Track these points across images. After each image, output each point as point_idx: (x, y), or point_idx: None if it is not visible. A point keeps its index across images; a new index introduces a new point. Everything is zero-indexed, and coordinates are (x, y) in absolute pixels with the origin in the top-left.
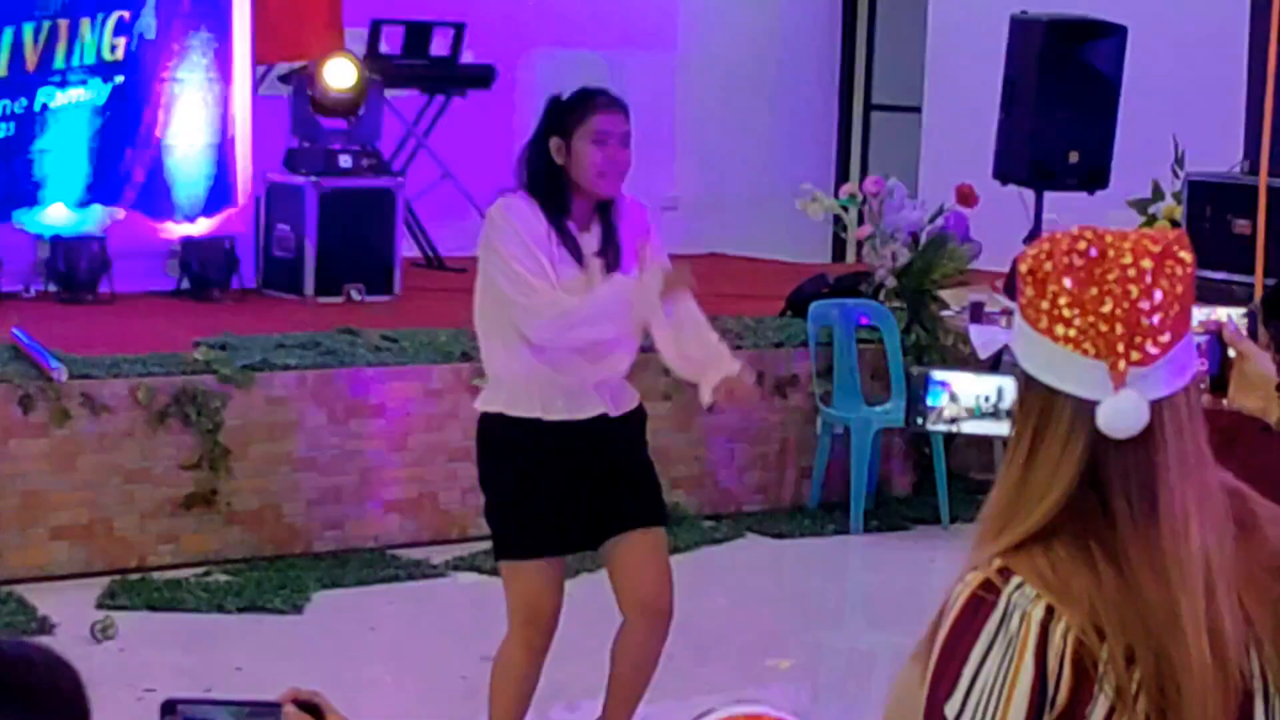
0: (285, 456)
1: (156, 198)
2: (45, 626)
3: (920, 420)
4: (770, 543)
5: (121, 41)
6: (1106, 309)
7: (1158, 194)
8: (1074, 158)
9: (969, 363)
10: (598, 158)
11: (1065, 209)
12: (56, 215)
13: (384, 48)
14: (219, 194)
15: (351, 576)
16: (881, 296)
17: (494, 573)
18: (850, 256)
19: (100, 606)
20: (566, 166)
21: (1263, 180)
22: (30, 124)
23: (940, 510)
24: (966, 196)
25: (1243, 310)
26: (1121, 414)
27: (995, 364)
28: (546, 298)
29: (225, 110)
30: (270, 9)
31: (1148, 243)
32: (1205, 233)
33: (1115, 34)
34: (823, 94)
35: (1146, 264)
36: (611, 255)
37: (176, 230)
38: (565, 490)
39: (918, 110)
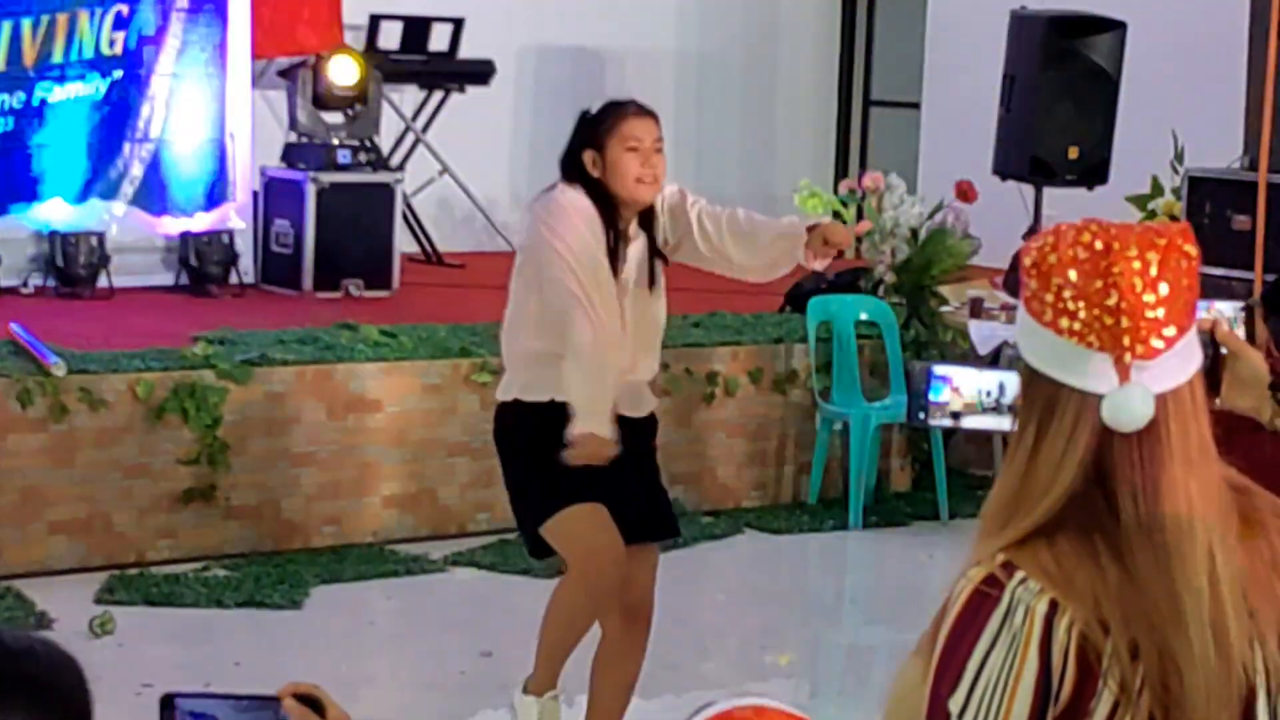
0: (284, 452)
1: (155, 193)
2: (43, 622)
3: (922, 415)
4: (769, 538)
5: (120, 36)
6: (1111, 302)
7: (1157, 190)
8: (1073, 153)
9: (968, 358)
10: (634, 164)
11: (1064, 205)
12: (55, 210)
13: (382, 42)
14: (218, 189)
15: (350, 571)
16: (881, 292)
17: (493, 568)
18: (850, 252)
19: (99, 602)
20: (604, 178)
21: (1262, 176)
22: (29, 119)
23: (939, 506)
24: (966, 192)
25: (1239, 304)
26: (1126, 407)
27: (994, 360)
28: (595, 318)
29: (224, 105)
30: (269, 4)
31: (1153, 236)
32: (1204, 228)
33: (1115, 29)
34: (822, 90)
35: (1152, 257)
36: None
37: (175, 225)
38: (579, 477)
39: (917, 106)
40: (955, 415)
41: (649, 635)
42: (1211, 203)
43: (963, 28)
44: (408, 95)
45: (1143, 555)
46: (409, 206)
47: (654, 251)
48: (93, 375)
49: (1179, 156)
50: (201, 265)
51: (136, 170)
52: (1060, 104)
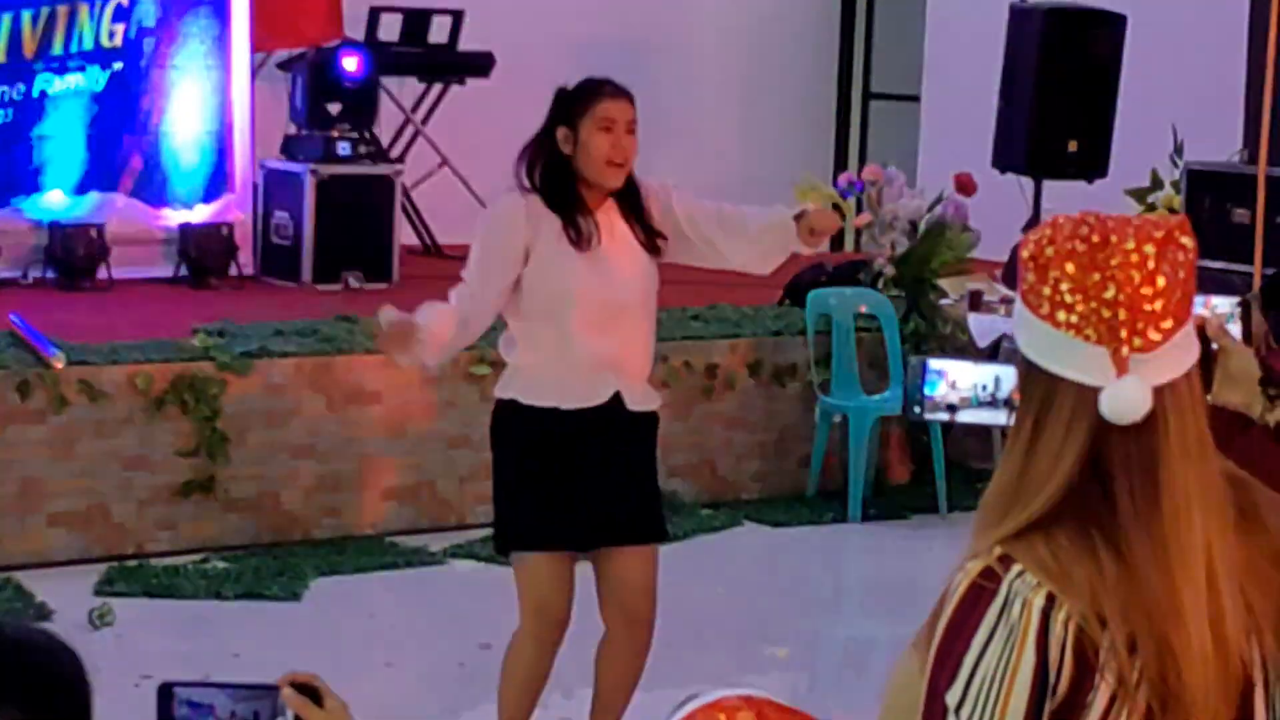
0: (283, 444)
1: (155, 184)
2: (43, 613)
3: (918, 409)
4: (768, 531)
5: (120, 28)
6: (1109, 295)
7: (1156, 183)
8: (1073, 146)
9: (967, 351)
10: (604, 145)
11: (1064, 198)
12: (54, 201)
13: (382, 34)
14: (217, 181)
15: (349, 564)
16: (880, 285)
17: (491, 560)
18: (849, 245)
19: (98, 593)
20: (573, 156)
21: (1261, 169)
22: (29, 110)
23: (938, 499)
24: (965, 185)
25: (1235, 299)
26: (1124, 400)
27: (993, 353)
28: (457, 297)
29: (224, 97)
30: None
31: (1150, 228)
32: (1204, 222)
33: (1114, 23)
34: (821, 83)
35: (1149, 249)
36: (642, 233)
37: (175, 217)
38: (573, 485)
39: (916, 99)
40: (951, 409)
41: (652, 633)
42: (1211, 196)
43: (962, 21)
44: (407, 87)
45: (1140, 548)
46: (409, 198)
47: (639, 216)
48: (92, 367)
49: (1178, 150)
50: (201, 257)
51: (136, 162)
52: (1060, 97)
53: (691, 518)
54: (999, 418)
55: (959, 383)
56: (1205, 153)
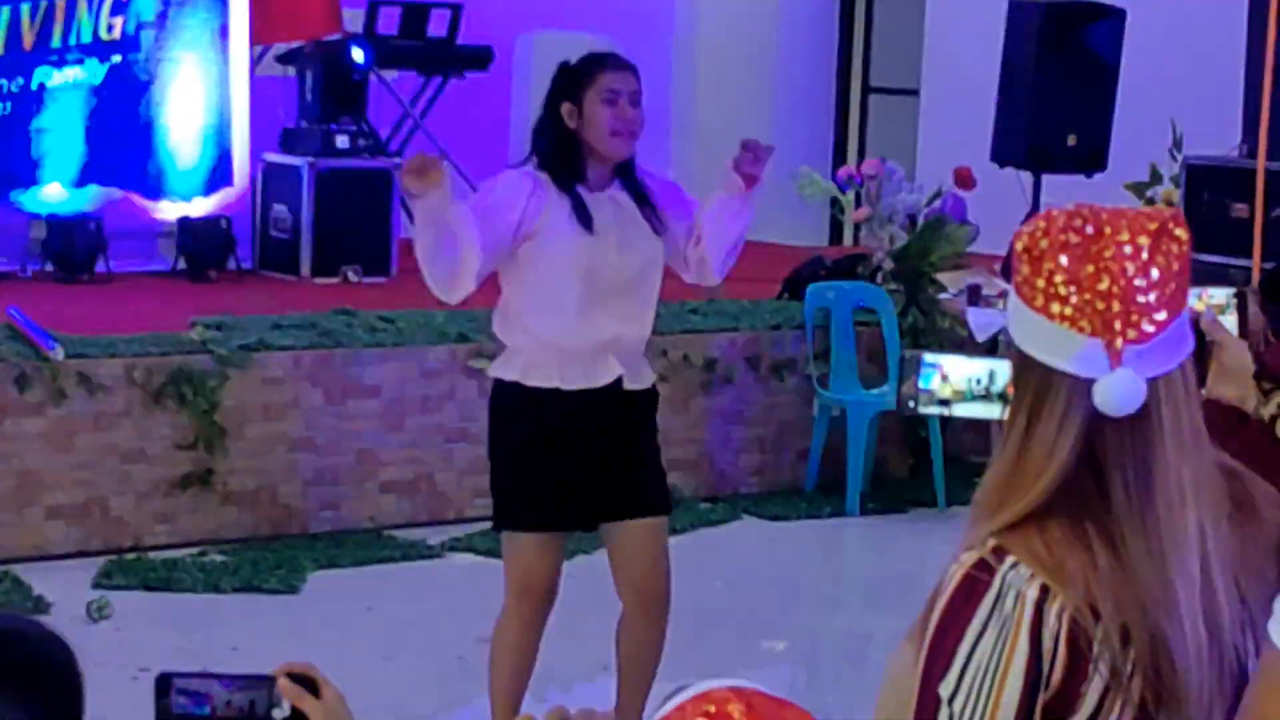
0: (282, 437)
1: (153, 178)
2: (41, 606)
3: (912, 403)
4: (767, 525)
5: (119, 21)
6: (1103, 286)
7: (1155, 177)
8: (1072, 141)
9: (966, 346)
10: (609, 116)
11: (1063, 192)
12: (53, 195)
13: (381, 28)
14: (216, 174)
15: (348, 557)
16: (879, 279)
17: (490, 554)
18: (848, 239)
19: (96, 586)
20: (579, 130)
21: (1260, 164)
22: (28, 103)
23: (937, 493)
24: (964, 179)
25: (1232, 291)
26: (1118, 392)
27: (992, 347)
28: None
29: (223, 91)
30: None
31: (1144, 220)
32: (1203, 216)
33: (1114, 17)
34: (821, 76)
35: (1143, 241)
36: (648, 214)
37: (173, 210)
38: (572, 466)
39: (916, 93)
40: (944, 403)
41: (667, 607)
42: (1210, 190)
43: (962, 15)
44: (406, 81)
45: (1134, 540)
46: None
47: (642, 194)
48: (91, 360)
49: (1177, 144)
50: (199, 250)
51: (135, 156)
52: (1059, 91)
53: (690, 512)
54: (993, 412)
55: (953, 377)
56: (1204, 147)
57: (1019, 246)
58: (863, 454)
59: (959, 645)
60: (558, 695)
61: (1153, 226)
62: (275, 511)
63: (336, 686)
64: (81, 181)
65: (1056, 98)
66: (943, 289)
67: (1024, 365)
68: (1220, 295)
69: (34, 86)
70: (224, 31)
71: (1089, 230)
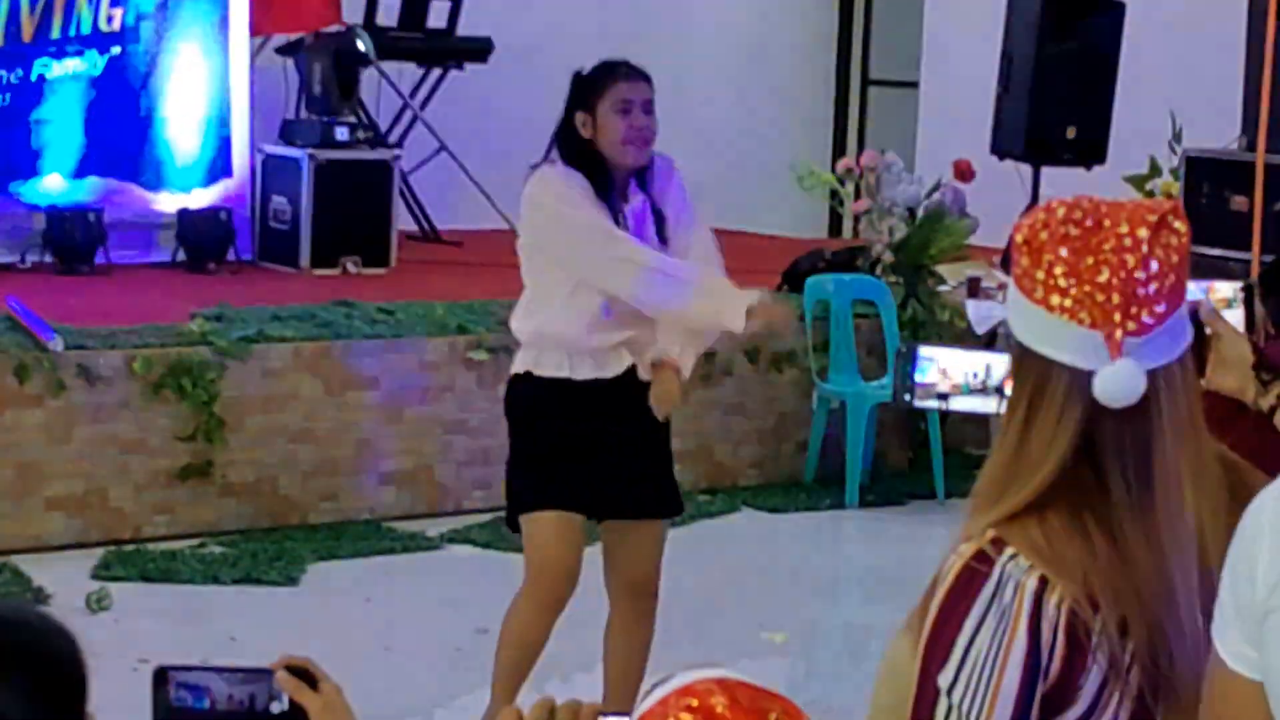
0: (281, 428)
1: (153, 169)
2: (40, 597)
3: (908, 396)
4: (766, 517)
5: (118, 13)
6: (1103, 278)
7: (1155, 170)
8: (1071, 133)
9: (965, 338)
10: (622, 125)
11: (1062, 184)
12: (53, 186)
13: (381, 19)
14: (215, 166)
15: (347, 549)
16: (878, 271)
17: (489, 546)
18: (847, 231)
19: (95, 577)
20: (594, 140)
21: (1260, 156)
22: (27, 94)
23: (936, 485)
24: (964, 172)
25: (1238, 284)
26: (1118, 383)
27: (991, 339)
28: (630, 246)
29: (222, 82)
30: None
31: (1143, 212)
32: (1202, 209)
33: (1113, 9)
34: (820, 69)
35: (1142, 233)
36: (658, 227)
37: (173, 202)
38: (586, 454)
39: (915, 85)
40: (942, 396)
41: (655, 608)
42: (1209, 183)
43: (961, 7)
44: (406, 72)
45: (1133, 532)
46: (407, 184)
47: (656, 211)
48: (90, 351)
49: (1177, 136)
50: (199, 242)
51: (134, 147)
52: (1058, 83)
53: (689, 503)
54: (990, 405)
55: (950, 370)
56: (1204, 139)
57: (1018, 239)
58: (862, 446)
59: (958, 636)
60: (556, 686)
61: (1152, 219)
62: (274, 503)
63: (334, 679)
64: (81, 173)
65: (1056, 90)
66: (942, 281)
67: (1023, 357)
68: (1226, 289)
69: (34, 78)
70: (223, 23)
71: (1088, 222)
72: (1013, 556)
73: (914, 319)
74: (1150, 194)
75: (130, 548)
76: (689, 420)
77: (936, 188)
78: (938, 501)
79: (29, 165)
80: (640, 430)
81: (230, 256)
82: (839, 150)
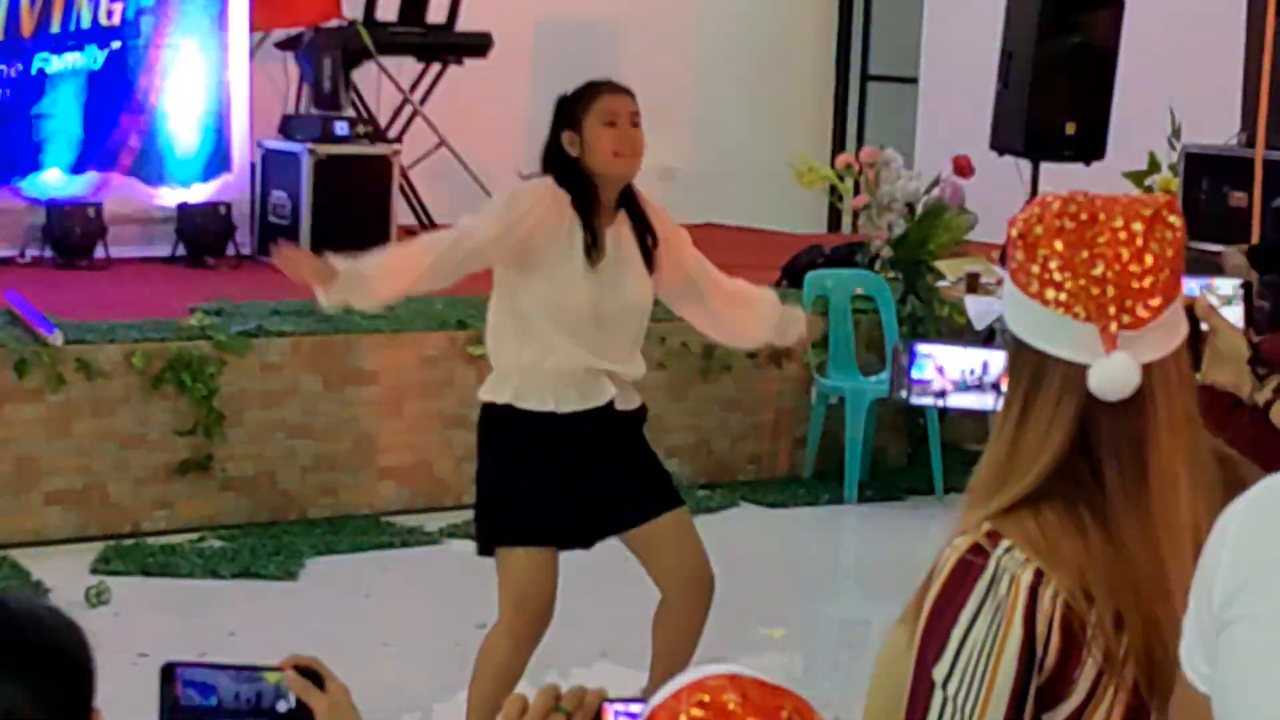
0: (280, 423)
1: (152, 163)
2: (39, 592)
3: (905, 393)
4: (764, 512)
5: (118, 8)
6: (1098, 272)
7: (1154, 165)
8: (1070, 129)
9: (964, 334)
10: (609, 138)
11: (1061, 180)
12: (52, 180)
13: (380, 14)
14: (215, 160)
15: (346, 543)
16: (877, 267)
17: None
18: (846, 227)
19: (94, 572)
20: (582, 158)
21: (1259, 152)
22: (27, 89)
23: (934, 480)
24: (963, 167)
25: (1238, 281)
26: (1113, 377)
27: (991, 335)
28: (448, 242)
29: (222, 77)
30: None
31: (1139, 207)
32: (1201, 205)
33: (1112, 5)
34: (819, 64)
35: (1137, 227)
36: (646, 252)
37: (172, 196)
38: (565, 484)
39: (915, 81)
40: (939, 393)
41: (711, 595)
42: (1208, 179)
43: (961, 3)
44: (405, 67)
45: (1128, 525)
46: (406, 179)
47: (645, 232)
48: (89, 345)
49: (1176, 132)
50: (198, 236)
51: (134, 141)
52: (1058, 79)
53: (688, 498)
54: (987, 402)
55: (946, 367)
56: (1203, 135)
57: (1014, 233)
58: (860, 441)
59: (953, 629)
60: (554, 681)
61: (1147, 213)
62: (273, 497)
63: (338, 676)
64: (80, 167)
65: (1055, 86)
66: (941, 277)
67: (1019, 351)
68: (1226, 286)
69: (34, 72)
70: (223, 18)
71: (1084, 216)
72: (1008, 550)
73: (913, 315)
74: (1149, 190)
75: (129, 542)
76: (688, 415)
77: (936, 183)
78: (936, 497)
79: (29, 159)
80: (621, 442)
81: (230, 251)
82: (838, 146)
